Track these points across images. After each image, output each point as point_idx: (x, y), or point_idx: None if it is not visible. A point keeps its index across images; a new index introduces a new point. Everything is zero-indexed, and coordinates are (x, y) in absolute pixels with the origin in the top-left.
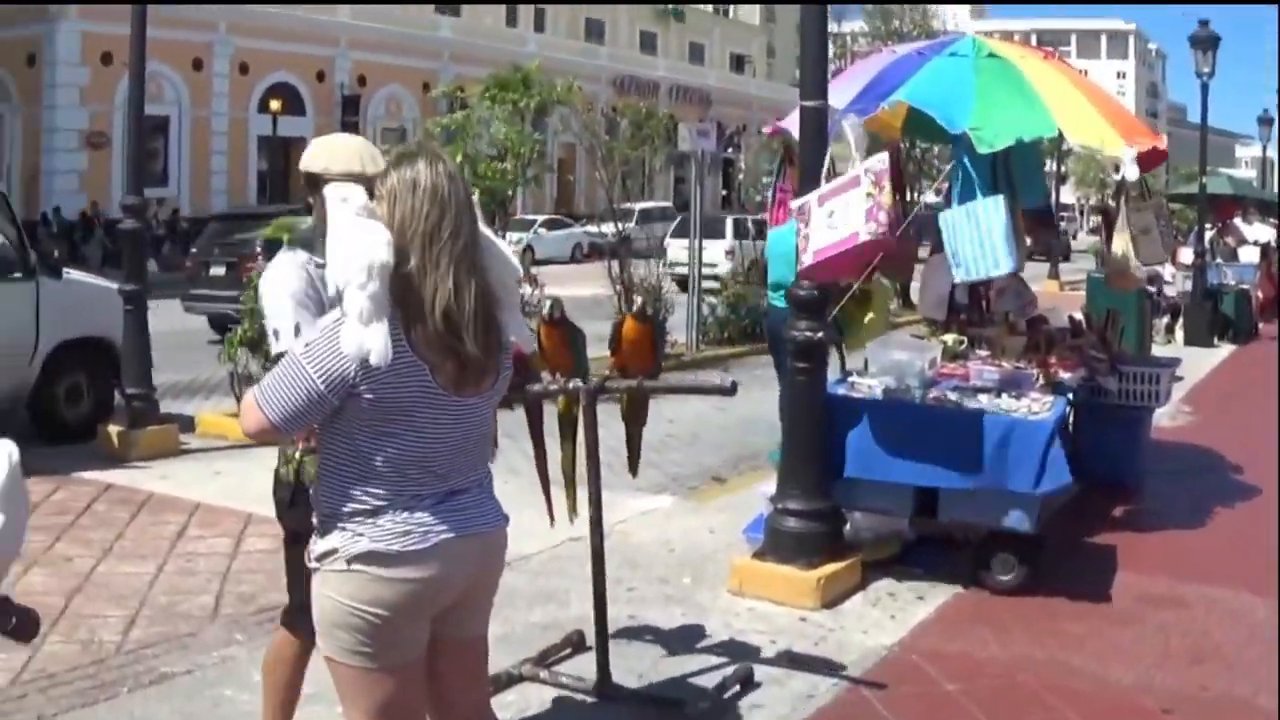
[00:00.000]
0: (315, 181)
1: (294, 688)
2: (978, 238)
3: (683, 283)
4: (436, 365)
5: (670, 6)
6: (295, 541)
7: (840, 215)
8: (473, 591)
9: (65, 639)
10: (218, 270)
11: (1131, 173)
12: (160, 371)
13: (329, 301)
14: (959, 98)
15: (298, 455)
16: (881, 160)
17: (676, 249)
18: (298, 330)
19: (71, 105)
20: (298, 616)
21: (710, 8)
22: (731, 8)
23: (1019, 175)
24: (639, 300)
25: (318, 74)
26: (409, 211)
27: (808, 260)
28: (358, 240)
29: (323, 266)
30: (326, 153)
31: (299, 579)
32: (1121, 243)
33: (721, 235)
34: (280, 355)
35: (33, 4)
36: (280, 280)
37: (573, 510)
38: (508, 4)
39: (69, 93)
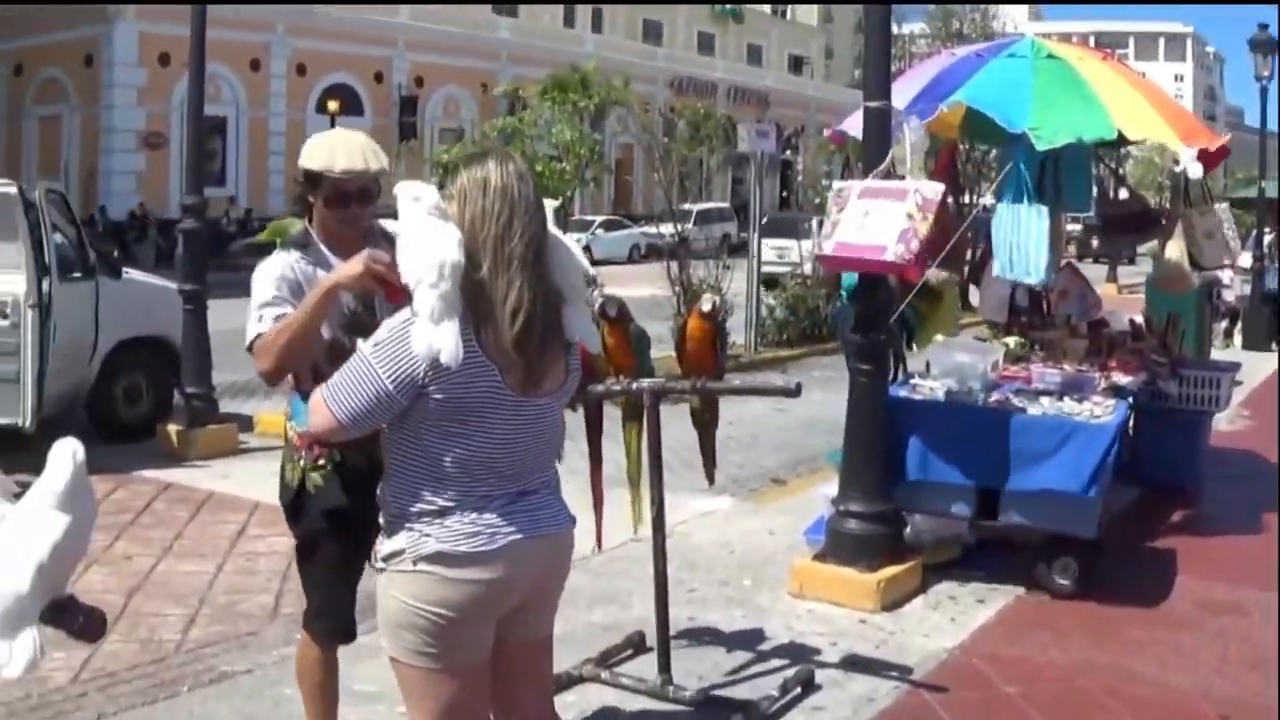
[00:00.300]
0: (315, 180)
1: (328, 691)
2: (1018, 242)
3: (769, 282)
4: (506, 366)
5: (728, 7)
6: (303, 545)
7: (875, 219)
8: (539, 593)
9: (125, 638)
10: None
11: (1195, 170)
12: (219, 371)
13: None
14: (1017, 98)
15: (302, 464)
16: (936, 190)
17: (768, 250)
18: (261, 319)
19: (129, 106)
20: (314, 620)
21: (768, 9)
22: (790, 9)
23: (1066, 180)
24: (706, 297)
25: (375, 75)
26: (480, 211)
27: (827, 247)
28: (429, 239)
29: (312, 264)
30: (326, 151)
31: (310, 583)
32: (1176, 249)
33: (806, 236)
34: (255, 339)
35: (92, 4)
36: (269, 271)
37: (638, 519)
38: (565, 4)
39: (126, 93)
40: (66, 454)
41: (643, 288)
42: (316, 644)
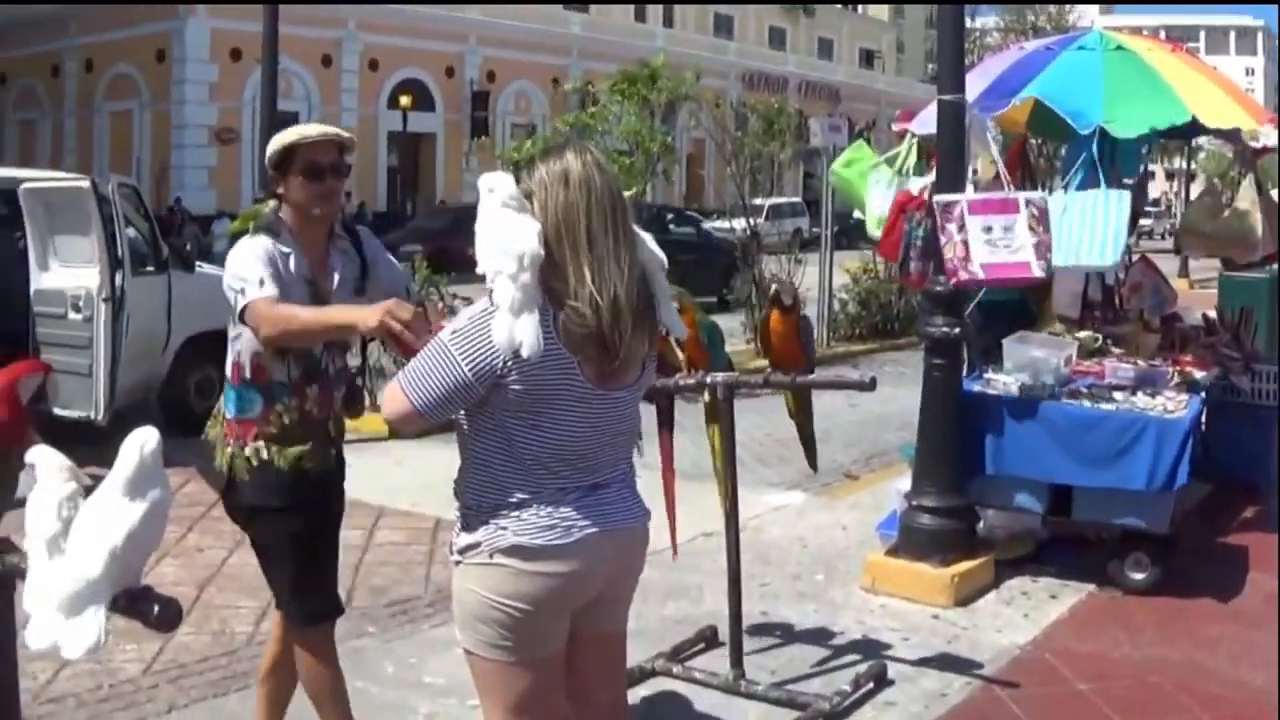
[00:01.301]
0: (287, 157)
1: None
2: (1090, 225)
3: None
4: (584, 358)
5: (799, 2)
6: (247, 529)
7: (1002, 236)
8: (614, 586)
9: (197, 630)
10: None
11: (1273, 139)
12: None
13: (284, 286)
14: (1088, 91)
15: (230, 451)
16: (1044, 200)
17: None
18: (262, 282)
19: (201, 101)
20: (287, 604)
21: (839, 4)
22: (861, 3)
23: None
24: (774, 288)
25: (447, 70)
26: (559, 202)
27: (977, 271)
28: (508, 230)
29: (285, 251)
30: (294, 131)
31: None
32: (1248, 204)
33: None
34: (244, 309)
35: (163, 2)
36: (249, 249)
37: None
38: (636, 1)
39: (198, 89)
40: (137, 444)
41: None
42: (295, 628)
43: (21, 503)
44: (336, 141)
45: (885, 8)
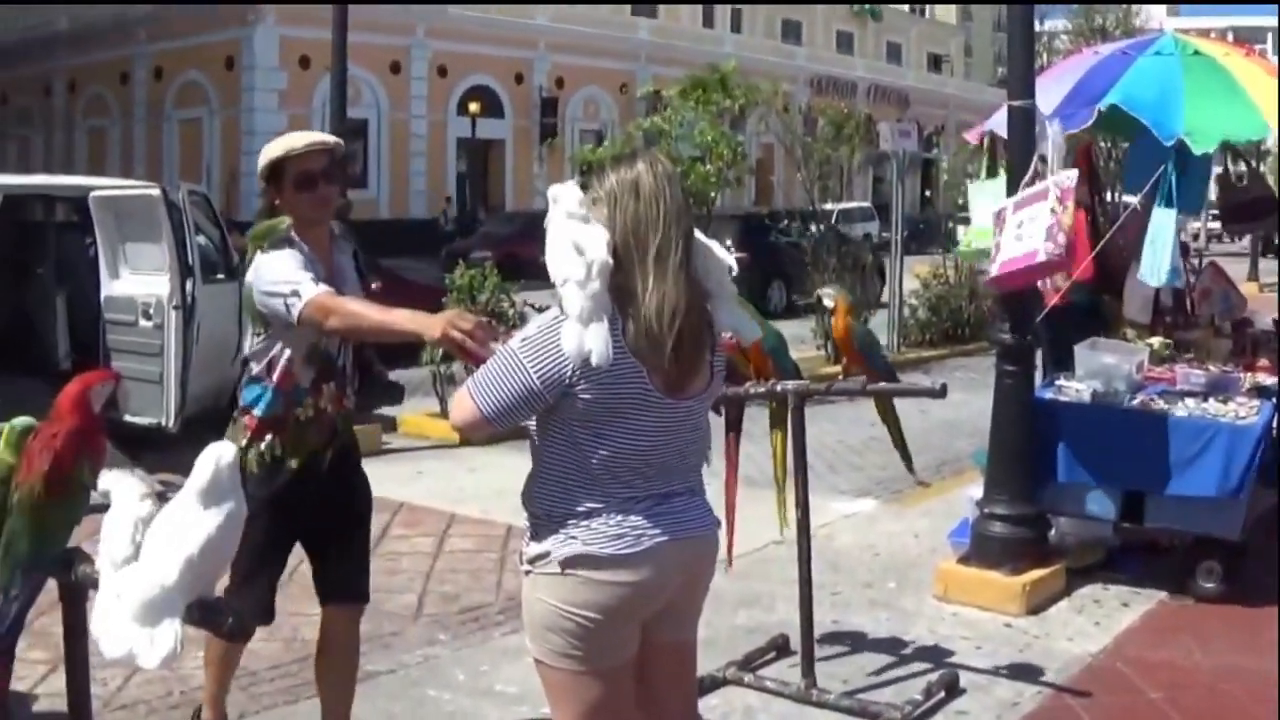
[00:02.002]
0: (279, 169)
1: (229, 660)
2: (1151, 243)
3: None
4: (653, 367)
5: (867, 6)
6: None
7: (1027, 228)
8: (683, 595)
9: (268, 637)
10: None
11: None
12: None
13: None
14: (1170, 100)
15: (244, 444)
16: (1070, 177)
17: None
18: (315, 279)
19: (270, 109)
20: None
21: (907, 7)
22: (929, 7)
23: (1183, 183)
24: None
25: (516, 76)
26: (629, 212)
27: (994, 271)
28: (577, 239)
29: (306, 254)
30: (282, 142)
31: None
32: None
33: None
34: (304, 306)
35: (232, 4)
36: (280, 256)
37: (784, 521)
38: (705, 4)
39: (267, 96)
40: (214, 456)
41: None
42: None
43: (95, 509)
44: (326, 148)
45: (953, 10)
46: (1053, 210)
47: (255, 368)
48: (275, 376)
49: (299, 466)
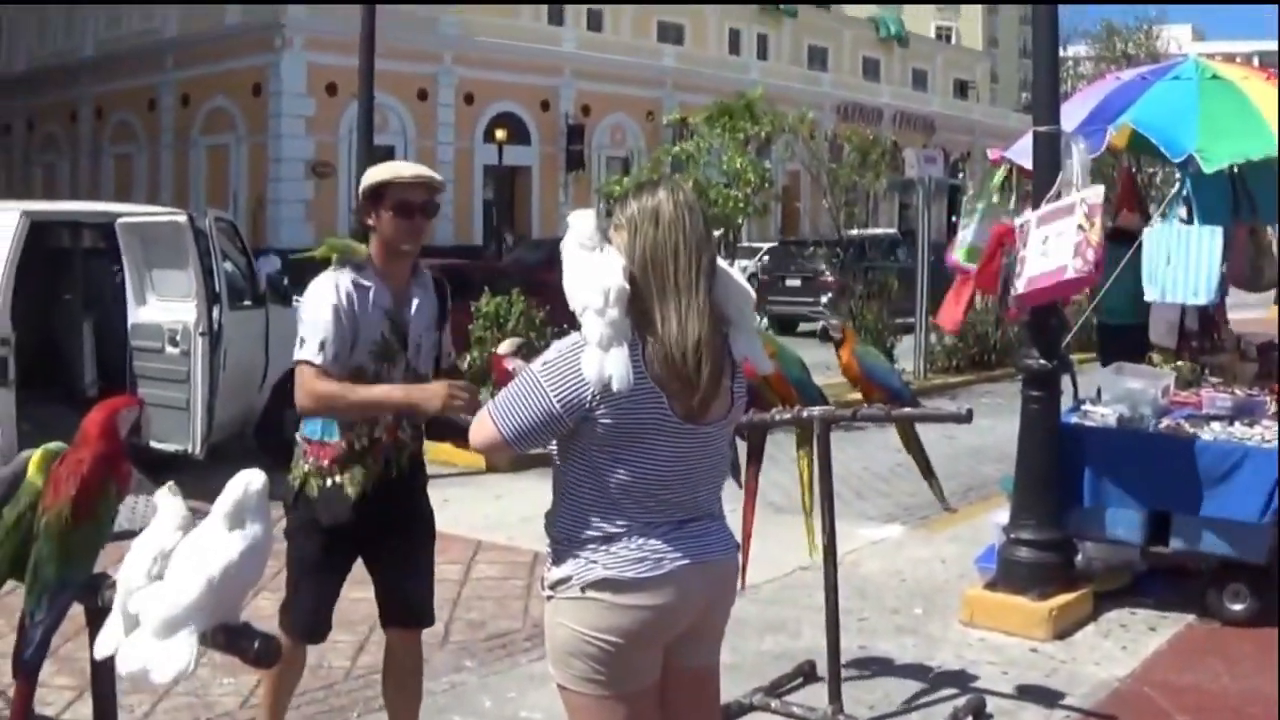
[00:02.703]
0: (380, 193)
1: (287, 681)
2: (1185, 261)
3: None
4: (674, 392)
5: (893, 32)
6: (291, 541)
7: (1053, 243)
8: (705, 620)
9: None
10: (793, 282)
11: None
12: None
13: (357, 320)
14: (1183, 121)
15: (306, 468)
16: (1097, 193)
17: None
18: (322, 345)
19: (297, 135)
20: (284, 612)
21: (933, 34)
22: (954, 32)
23: (1259, 191)
24: (821, 324)
25: (542, 103)
26: (649, 239)
27: (1020, 287)
28: (594, 266)
29: (365, 286)
30: (390, 168)
31: (289, 579)
32: None
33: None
34: (301, 362)
35: (260, 34)
36: (321, 294)
37: (813, 547)
38: None
39: (294, 123)
40: (243, 482)
41: None
42: (285, 635)
43: (120, 535)
44: (428, 183)
45: (979, 37)
46: (1080, 226)
47: None
48: (306, 408)
49: (358, 494)
